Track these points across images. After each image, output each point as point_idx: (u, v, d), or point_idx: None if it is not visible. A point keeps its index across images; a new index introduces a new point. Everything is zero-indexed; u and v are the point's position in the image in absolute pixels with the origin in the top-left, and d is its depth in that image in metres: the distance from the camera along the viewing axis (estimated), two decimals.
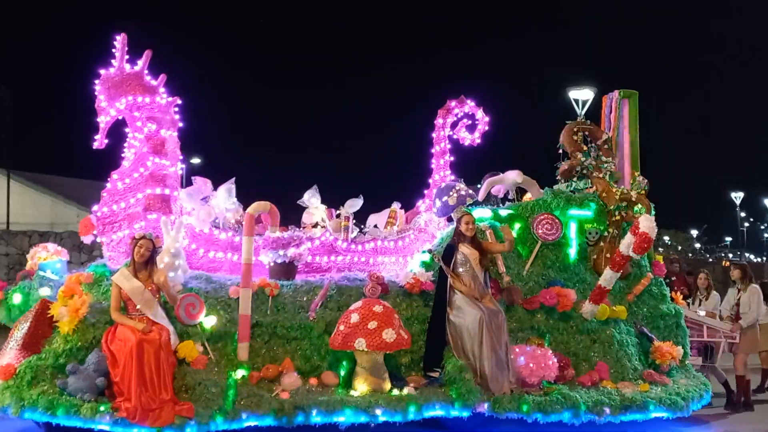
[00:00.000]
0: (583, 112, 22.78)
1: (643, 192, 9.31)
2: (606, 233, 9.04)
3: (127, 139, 8.22)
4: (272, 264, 8.10)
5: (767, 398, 10.43)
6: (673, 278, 13.34)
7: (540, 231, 8.78)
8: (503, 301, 8.16)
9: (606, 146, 9.53)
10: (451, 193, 8.88)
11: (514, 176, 9.31)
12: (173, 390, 6.56)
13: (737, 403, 9.37)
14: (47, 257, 8.01)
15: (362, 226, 9.46)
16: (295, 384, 7.07)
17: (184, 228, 7.93)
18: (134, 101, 8.01)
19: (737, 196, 56.52)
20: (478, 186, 9.42)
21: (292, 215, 9.04)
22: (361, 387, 7.21)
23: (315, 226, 8.83)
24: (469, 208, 8.67)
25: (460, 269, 7.84)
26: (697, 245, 67.48)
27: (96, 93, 8.01)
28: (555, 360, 7.78)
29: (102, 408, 6.27)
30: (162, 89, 8.17)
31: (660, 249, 50.93)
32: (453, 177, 9.68)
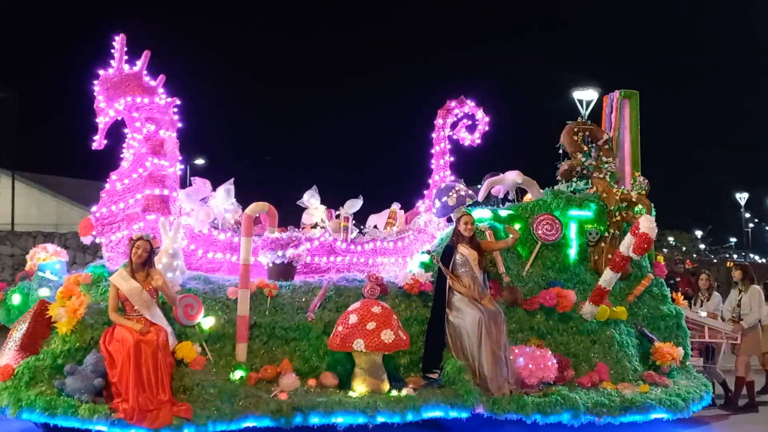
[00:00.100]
0: (587, 112, 22.77)
1: (643, 192, 9.28)
2: (606, 234, 9.01)
3: (126, 140, 8.23)
4: (271, 265, 8.10)
5: None
6: (678, 279, 13.30)
7: (540, 231, 8.76)
8: (503, 302, 8.14)
9: (606, 146, 9.50)
10: (450, 194, 8.86)
11: (514, 177, 9.29)
12: (171, 391, 6.56)
13: (734, 403, 9.33)
14: (46, 258, 8.02)
15: (362, 227, 9.45)
16: (294, 385, 7.06)
17: (183, 229, 7.93)
18: (133, 102, 8.02)
19: (742, 197, 56.40)
20: (478, 186, 9.40)
21: (291, 216, 9.04)
22: (359, 388, 7.19)
23: (314, 226, 8.82)
24: (469, 208, 8.66)
25: (460, 270, 7.82)
26: (702, 246, 67.26)
27: (95, 93, 8.01)
28: (554, 361, 7.76)
29: (100, 409, 6.28)
30: (161, 90, 8.18)
31: (664, 250, 50.78)
32: (453, 177, 9.66)
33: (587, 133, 9.59)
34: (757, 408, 9.36)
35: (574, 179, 9.53)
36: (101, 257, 8.28)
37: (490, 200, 9.45)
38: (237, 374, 7.03)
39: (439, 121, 9.82)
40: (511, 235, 8.19)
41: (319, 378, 7.34)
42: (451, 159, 9.89)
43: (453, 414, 7.17)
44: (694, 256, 52.38)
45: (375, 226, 9.49)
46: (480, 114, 9.85)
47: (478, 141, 9.91)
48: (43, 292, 7.49)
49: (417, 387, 7.38)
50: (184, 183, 8.76)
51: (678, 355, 8.55)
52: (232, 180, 8.64)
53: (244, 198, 8.61)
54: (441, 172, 9.75)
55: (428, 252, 8.37)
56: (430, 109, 9.98)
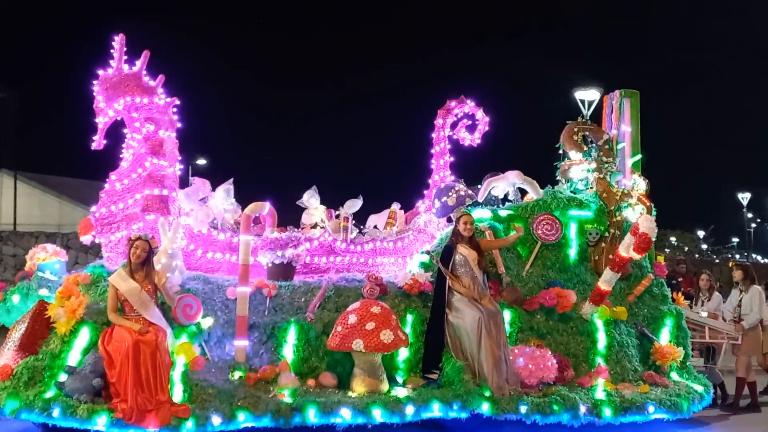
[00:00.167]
0: (589, 112, 22.78)
1: (643, 192, 9.26)
2: (606, 234, 8.99)
3: (126, 140, 8.22)
4: (270, 265, 8.09)
5: None
6: (680, 279, 13.28)
7: (540, 231, 8.75)
8: (502, 302, 8.13)
9: (607, 146, 9.48)
10: (450, 194, 8.85)
11: (513, 176, 9.27)
12: (170, 391, 6.55)
13: (736, 404, 9.32)
14: (46, 258, 8.03)
15: (362, 227, 9.44)
16: (293, 385, 7.05)
17: (183, 229, 7.92)
18: (132, 102, 8.00)
19: (744, 197, 56.35)
20: (478, 186, 9.38)
21: (291, 216, 9.04)
22: (358, 388, 7.19)
23: (314, 226, 8.82)
24: (469, 208, 8.65)
25: (459, 270, 7.81)
26: (704, 246, 67.17)
27: (94, 94, 8.01)
28: (554, 361, 7.75)
29: (98, 409, 6.27)
30: (160, 90, 8.17)
31: (666, 250, 50.74)
32: (453, 177, 9.65)
33: (587, 133, 9.57)
34: (759, 408, 9.34)
35: (574, 179, 9.51)
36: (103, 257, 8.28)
37: (490, 200, 9.43)
38: (236, 374, 7.02)
39: (439, 121, 9.81)
40: (513, 232, 8.16)
41: (318, 378, 7.34)
42: (451, 159, 9.87)
43: (452, 414, 7.16)
44: (696, 256, 52.34)
45: (375, 227, 9.48)
46: (480, 114, 9.83)
47: (478, 141, 9.89)
48: (43, 292, 7.50)
49: (416, 387, 7.37)
50: (186, 183, 8.75)
51: (678, 356, 8.53)
52: (232, 180, 8.64)
53: (243, 198, 8.61)
54: (441, 172, 9.74)
55: (428, 252, 8.36)
56: (430, 109, 9.98)
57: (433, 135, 9.84)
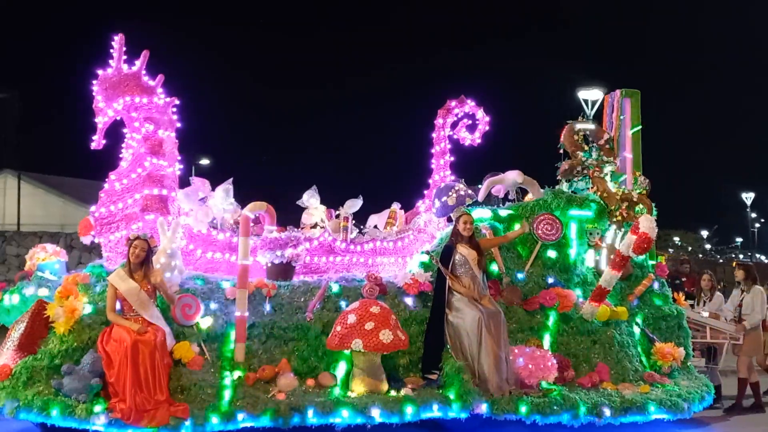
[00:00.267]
0: (593, 112, 22.75)
1: (644, 192, 9.24)
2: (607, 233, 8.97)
3: (125, 140, 8.22)
4: (270, 264, 8.08)
5: None
6: (683, 279, 13.25)
7: (540, 231, 8.73)
8: (502, 302, 8.11)
9: (607, 146, 9.46)
10: (450, 194, 8.83)
11: (514, 176, 9.25)
12: (169, 391, 6.56)
13: (738, 405, 9.29)
14: (46, 258, 8.03)
15: (362, 227, 9.43)
16: (292, 385, 7.05)
17: (182, 228, 7.92)
18: (132, 102, 8.00)
19: (748, 197, 56.24)
20: (479, 186, 9.37)
21: (291, 216, 9.04)
22: (358, 388, 7.18)
23: (314, 226, 8.81)
24: (469, 208, 8.63)
25: (459, 270, 7.80)
26: (708, 246, 67.04)
27: (94, 93, 8.01)
28: (554, 361, 7.73)
29: (97, 409, 6.28)
30: (160, 89, 8.17)
31: (670, 250, 50.65)
32: (453, 177, 9.62)
33: (588, 132, 9.56)
34: (763, 409, 9.31)
35: (575, 179, 9.50)
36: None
37: (490, 200, 9.42)
38: (235, 374, 7.02)
39: (439, 121, 9.78)
40: (517, 228, 8.15)
41: (317, 378, 7.34)
42: (452, 159, 9.85)
43: (452, 414, 7.15)
44: (700, 256, 52.22)
45: (375, 226, 9.47)
46: (480, 114, 9.81)
47: (479, 141, 9.87)
48: (42, 292, 7.50)
49: (416, 387, 7.36)
50: (187, 183, 8.75)
51: (679, 356, 8.51)
52: (231, 180, 8.63)
53: (244, 198, 8.60)
54: (441, 171, 9.72)
55: (427, 252, 8.35)
56: (430, 109, 9.96)
57: (434, 135, 9.82)
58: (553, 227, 8.77)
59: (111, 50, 8.08)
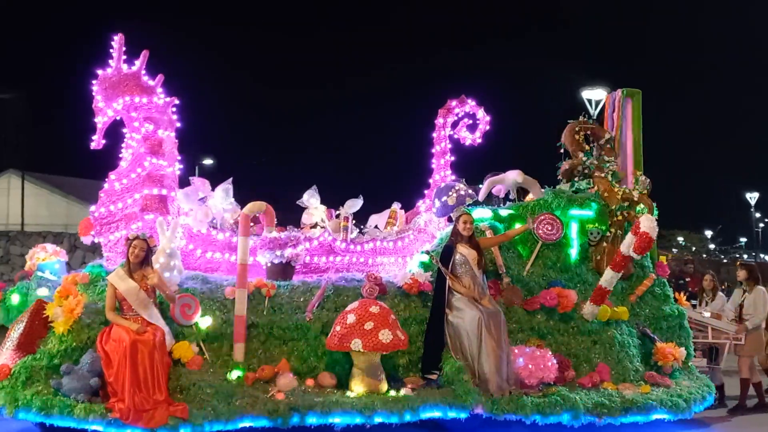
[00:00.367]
0: (596, 112, 22.71)
1: (645, 192, 9.22)
2: (608, 233, 8.94)
3: (125, 140, 8.23)
4: (269, 264, 8.08)
5: None
6: (687, 279, 13.24)
7: (541, 231, 8.71)
8: (503, 302, 8.10)
9: (608, 146, 9.44)
10: (450, 193, 8.81)
11: (514, 176, 9.23)
12: (168, 391, 6.55)
13: (741, 405, 9.26)
14: (46, 258, 8.05)
15: (362, 227, 9.42)
16: (291, 385, 7.04)
17: (182, 228, 7.93)
18: (131, 101, 8.02)
19: (752, 197, 56.09)
20: (479, 186, 9.35)
21: (291, 216, 9.04)
22: (357, 388, 7.17)
23: (314, 226, 8.81)
24: (469, 208, 8.62)
25: (459, 270, 7.78)
26: (712, 246, 66.82)
27: (93, 93, 8.02)
28: (554, 361, 7.70)
29: (96, 408, 6.27)
30: (159, 89, 8.18)
31: (674, 250, 50.51)
32: (454, 177, 9.61)
33: (589, 132, 9.54)
34: (767, 408, 9.28)
35: (576, 179, 9.48)
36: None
37: (491, 200, 9.41)
38: (234, 374, 7.02)
39: (439, 121, 9.76)
40: (518, 226, 8.15)
41: (317, 378, 7.33)
42: (452, 158, 9.83)
43: (452, 414, 7.13)
44: (704, 256, 52.08)
45: (376, 226, 9.46)
46: (481, 113, 9.78)
47: (479, 140, 9.85)
48: (42, 292, 7.51)
49: (416, 387, 7.35)
50: (188, 183, 8.75)
51: (680, 356, 8.48)
52: (231, 180, 8.64)
53: (244, 198, 8.60)
54: (442, 171, 9.70)
55: (427, 252, 8.34)
56: (430, 109, 9.94)
57: (434, 134, 9.79)
58: (553, 227, 8.75)
59: (111, 50, 8.10)
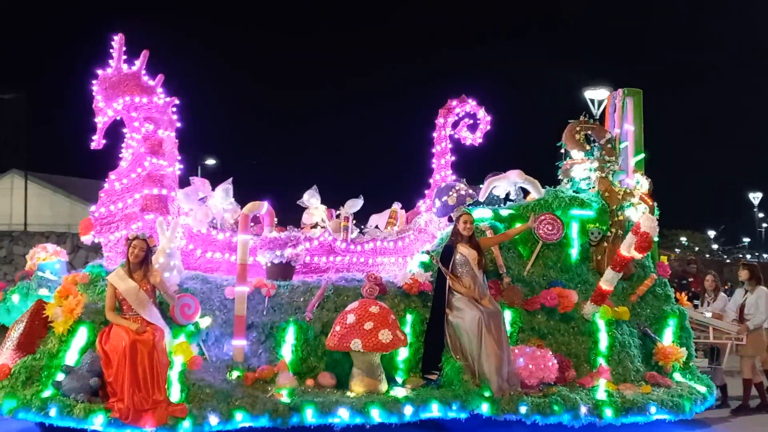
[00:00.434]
0: (600, 111, 22.71)
1: (646, 192, 9.20)
2: (609, 233, 8.93)
3: (125, 140, 8.23)
4: (269, 264, 8.08)
5: None
6: (690, 279, 13.20)
7: (541, 231, 8.69)
8: (503, 302, 8.08)
9: (609, 145, 9.42)
10: (450, 193, 8.80)
11: (515, 176, 9.22)
12: (167, 390, 6.54)
13: (744, 406, 9.24)
14: (46, 258, 8.05)
15: (362, 227, 9.42)
16: (291, 385, 7.04)
17: (182, 228, 7.93)
18: (132, 101, 8.01)
19: (756, 197, 56.01)
20: (480, 186, 9.34)
21: (291, 216, 9.04)
22: (357, 388, 7.17)
23: (315, 226, 8.81)
24: (469, 208, 8.61)
25: (459, 270, 7.77)
26: (715, 246, 66.73)
27: (93, 93, 8.02)
28: (555, 361, 7.70)
29: (95, 408, 6.28)
30: (160, 89, 8.17)
31: (677, 250, 50.47)
32: (454, 177, 9.60)
33: (589, 132, 9.52)
34: None
35: (577, 178, 9.46)
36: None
37: (492, 200, 9.39)
38: (234, 374, 7.02)
39: (440, 120, 9.76)
40: (518, 225, 8.16)
41: (317, 378, 7.33)
42: (453, 158, 9.83)
43: (452, 414, 7.13)
44: (707, 256, 51.98)
45: (376, 226, 9.46)
46: (482, 113, 9.77)
47: (480, 140, 9.84)
48: (43, 292, 7.52)
49: (416, 387, 7.34)
50: (188, 183, 8.75)
51: (681, 356, 8.46)
52: (231, 180, 8.64)
53: (243, 198, 8.60)
54: (442, 171, 9.69)
55: (427, 252, 8.33)
56: (430, 109, 9.94)
57: (434, 134, 9.79)
58: (554, 227, 8.73)
59: (111, 50, 8.09)
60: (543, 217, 8.73)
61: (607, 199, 9.04)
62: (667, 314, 8.81)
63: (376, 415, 6.86)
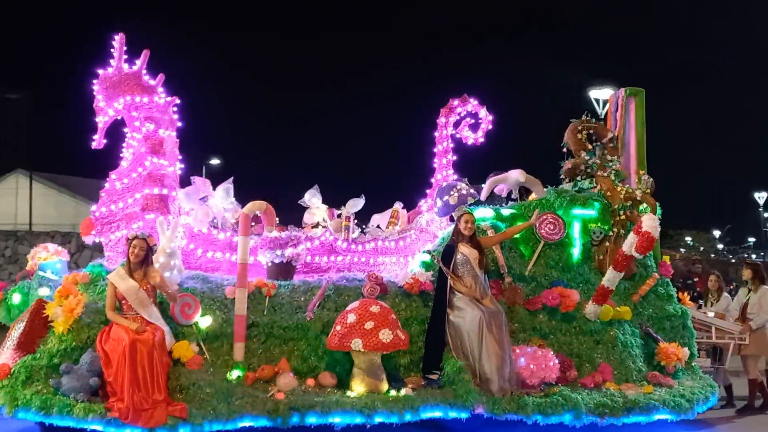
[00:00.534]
0: (604, 111, 22.64)
1: (648, 191, 9.17)
2: (611, 233, 8.90)
3: (126, 139, 8.24)
4: (270, 264, 8.07)
5: None
6: (695, 279, 13.16)
7: (543, 231, 8.67)
8: (504, 302, 8.06)
9: (611, 145, 9.40)
10: (452, 193, 8.78)
11: (517, 175, 9.20)
12: (167, 390, 6.54)
13: (750, 405, 9.20)
14: (47, 257, 8.05)
15: (363, 226, 9.41)
16: (291, 384, 7.02)
17: (183, 228, 7.92)
18: (132, 101, 8.02)
19: (761, 197, 55.81)
20: (482, 185, 9.32)
21: (292, 215, 9.04)
22: (357, 388, 7.15)
23: (316, 226, 8.80)
24: (470, 207, 8.59)
25: (461, 270, 7.75)
26: (720, 246, 66.52)
27: (94, 93, 8.03)
28: (556, 361, 7.66)
29: (95, 408, 6.27)
30: (160, 89, 8.18)
31: (682, 249, 50.33)
32: (456, 176, 9.58)
33: (591, 131, 9.49)
34: None
35: (579, 178, 9.43)
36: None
37: (493, 199, 9.37)
38: (234, 374, 7.01)
39: (441, 120, 9.73)
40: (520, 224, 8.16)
41: (317, 378, 7.31)
42: (454, 158, 9.81)
43: (453, 414, 7.11)
44: (712, 256, 51.81)
45: (378, 226, 9.44)
46: (483, 112, 9.74)
47: (481, 140, 9.81)
48: (43, 292, 7.52)
49: (417, 387, 7.32)
50: (189, 182, 8.75)
51: (683, 356, 8.43)
52: (231, 179, 8.64)
53: (244, 198, 8.60)
54: (444, 170, 9.67)
55: (429, 252, 8.31)
56: (430, 109, 9.93)
57: (436, 133, 9.77)
58: (556, 227, 8.71)
59: (111, 50, 8.10)
60: (545, 217, 8.71)
61: (609, 198, 9.01)
62: (669, 314, 8.78)
63: (376, 414, 6.83)
